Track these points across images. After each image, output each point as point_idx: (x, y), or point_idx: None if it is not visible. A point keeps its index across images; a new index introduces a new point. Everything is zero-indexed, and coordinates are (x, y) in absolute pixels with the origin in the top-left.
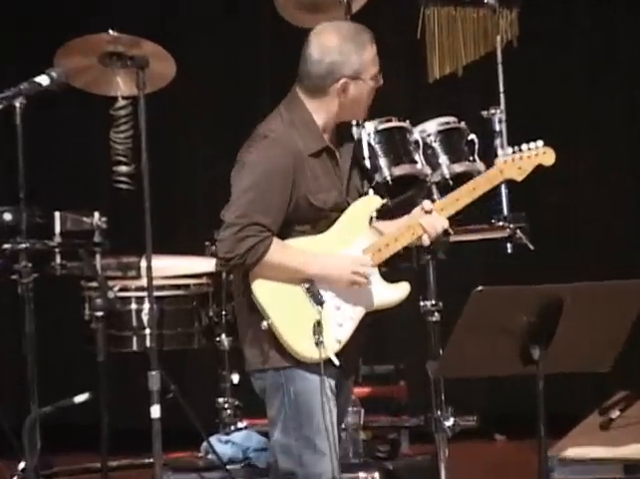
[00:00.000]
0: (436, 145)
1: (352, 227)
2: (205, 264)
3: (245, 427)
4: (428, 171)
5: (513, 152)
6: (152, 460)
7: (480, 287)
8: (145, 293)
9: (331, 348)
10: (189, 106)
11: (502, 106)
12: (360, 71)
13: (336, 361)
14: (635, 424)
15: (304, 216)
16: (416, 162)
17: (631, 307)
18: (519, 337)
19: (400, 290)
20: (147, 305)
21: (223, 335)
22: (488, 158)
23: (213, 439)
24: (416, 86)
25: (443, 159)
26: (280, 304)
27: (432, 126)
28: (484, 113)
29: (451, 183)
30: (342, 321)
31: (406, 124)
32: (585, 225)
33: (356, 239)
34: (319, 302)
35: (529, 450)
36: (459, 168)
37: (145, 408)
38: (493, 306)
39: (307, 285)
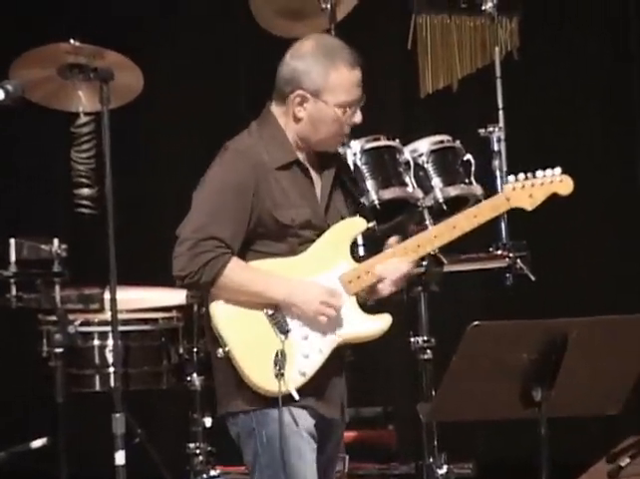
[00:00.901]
0: (428, 166)
1: (331, 250)
2: (175, 297)
3: (219, 475)
4: (419, 194)
5: (526, 178)
6: None
7: (476, 322)
8: (108, 328)
9: (293, 381)
10: (158, 123)
11: (501, 123)
12: (321, 90)
13: (296, 396)
14: None
15: (269, 233)
16: (406, 184)
17: None
18: (520, 377)
19: (380, 322)
20: (110, 341)
21: (195, 374)
22: (486, 180)
23: None
24: (407, 101)
25: (436, 181)
26: (240, 330)
27: (424, 145)
28: (482, 131)
29: (444, 207)
30: (308, 353)
31: (395, 143)
32: (592, 254)
33: (335, 263)
34: (283, 331)
35: None
36: (453, 191)
37: (108, 454)
38: (491, 343)
39: (271, 312)
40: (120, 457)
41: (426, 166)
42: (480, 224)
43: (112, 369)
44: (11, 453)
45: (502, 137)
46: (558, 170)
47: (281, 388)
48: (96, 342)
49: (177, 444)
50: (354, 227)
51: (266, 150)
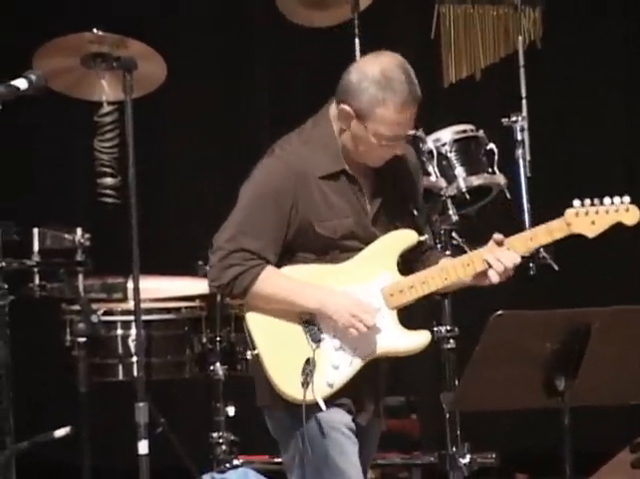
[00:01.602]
0: (451, 155)
1: (376, 260)
2: (198, 286)
3: (242, 464)
4: (442, 184)
5: (592, 204)
6: None
7: (499, 312)
8: (131, 318)
9: (320, 392)
10: (181, 112)
11: (525, 113)
12: (364, 116)
13: (323, 406)
14: None
15: (309, 244)
16: (429, 174)
17: None
18: (543, 367)
19: (418, 337)
20: (134, 331)
21: (218, 364)
22: (509, 170)
23: (207, 477)
24: (430, 90)
25: (459, 170)
26: (271, 335)
27: (447, 134)
28: (505, 120)
29: (467, 197)
30: (339, 364)
31: (419, 132)
32: (615, 243)
33: (378, 274)
34: (316, 340)
35: None
36: (476, 180)
37: (131, 444)
38: (514, 333)
39: (306, 319)
40: (142, 446)
41: (449, 155)
42: (535, 247)
43: (135, 359)
44: (34, 443)
45: (526, 126)
46: (627, 199)
47: (307, 397)
48: (119, 332)
49: (200, 433)
50: (404, 239)
51: (313, 156)
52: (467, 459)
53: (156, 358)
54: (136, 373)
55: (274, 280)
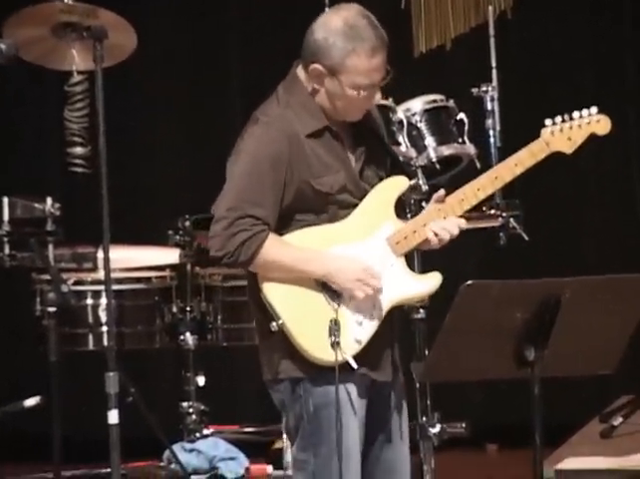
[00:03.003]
0: (421, 125)
1: (376, 212)
2: (168, 256)
3: (212, 434)
4: (413, 153)
5: (563, 120)
6: (109, 470)
7: (469, 282)
8: (102, 287)
9: (350, 350)
10: (152, 82)
11: (495, 83)
12: (337, 70)
13: (354, 365)
14: None
15: (309, 204)
16: (399, 144)
17: (636, 304)
18: (513, 337)
19: (430, 281)
20: (104, 300)
21: (188, 334)
22: (479, 139)
23: (177, 447)
24: (400, 60)
25: (429, 140)
26: (293, 303)
27: (417, 104)
28: (475, 90)
29: (438, 166)
30: (362, 319)
31: (389, 102)
32: (586, 213)
33: (380, 225)
34: (335, 300)
35: (524, 461)
36: (447, 150)
37: (101, 413)
38: (484, 303)
39: (322, 281)
40: (113, 416)
41: (419, 125)
42: (521, 172)
43: (105, 328)
44: (4, 412)
45: (496, 96)
46: (595, 109)
47: (337, 357)
48: (89, 301)
49: (171, 403)
50: (397, 185)
51: (297, 118)
52: (437, 429)
53: (126, 328)
54: (106, 343)
55: (278, 248)
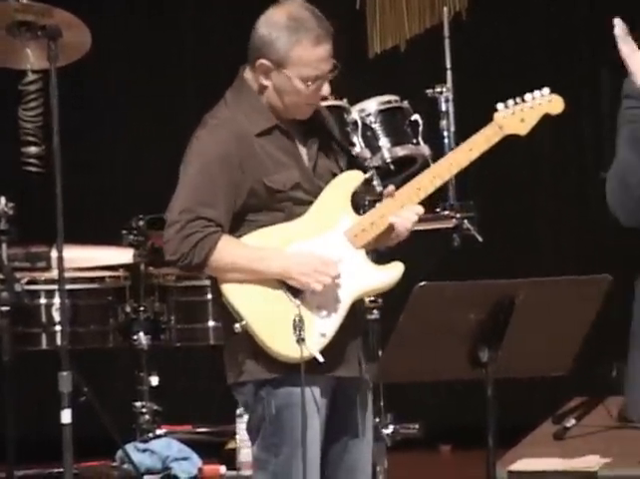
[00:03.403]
0: (376, 126)
1: (331, 207)
2: (122, 256)
3: (165, 434)
4: (367, 154)
5: (515, 103)
6: (62, 470)
7: (422, 283)
8: (55, 287)
9: (315, 344)
10: (106, 82)
11: (449, 84)
12: (283, 63)
13: (320, 358)
14: (593, 433)
15: (262, 203)
16: (354, 144)
17: (590, 305)
18: (467, 338)
19: (392, 271)
20: (57, 300)
21: (141, 333)
22: (434, 140)
23: (130, 447)
24: (354, 61)
25: (383, 141)
26: (255, 303)
27: (371, 105)
28: (430, 91)
29: (392, 167)
30: (325, 313)
31: (343, 102)
32: (540, 215)
33: (338, 219)
34: (297, 295)
35: (477, 462)
36: (401, 151)
37: (54, 413)
38: (438, 304)
39: (280, 278)
40: (66, 415)
41: (373, 126)
42: (477, 157)
43: (58, 328)
44: None
45: (450, 97)
46: (547, 90)
47: (303, 353)
48: (43, 301)
49: (124, 403)
50: (351, 179)
51: (246, 118)
52: (390, 430)
53: (79, 327)
54: (59, 342)
55: (232, 249)
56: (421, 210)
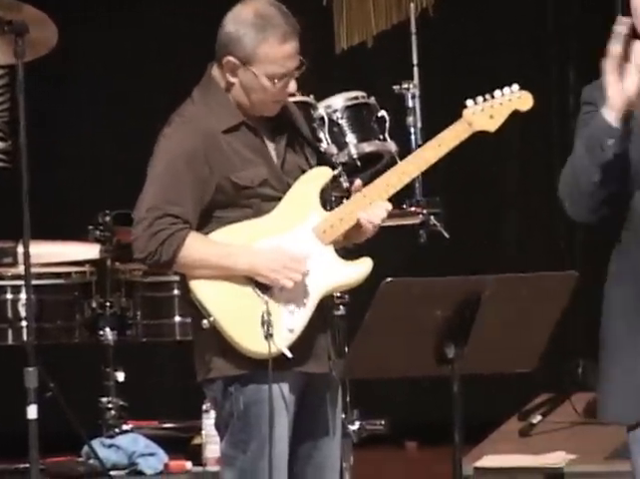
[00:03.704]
0: (342, 122)
1: (300, 204)
2: (88, 251)
3: (131, 430)
4: (334, 150)
5: (484, 99)
6: (27, 465)
7: (389, 279)
8: (21, 282)
9: (283, 340)
10: (74, 77)
11: (416, 80)
12: (250, 60)
13: (289, 354)
14: (558, 430)
15: (230, 199)
16: (320, 140)
17: (556, 302)
18: (433, 334)
19: (360, 266)
20: (23, 295)
21: (107, 329)
22: (400, 137)
23: (96, 443)
24: (321, 57)
25: (350, 137)
26: (223, 299)
27: (338, 101)
28: (396, 87)
29: (358, 163)
30: (293, 309)
31: (309, 98)
32: (507, 211)
33: (307, 216)
34: (265, 291)
35: (443, 458)
36: (368, 147)
37: (20, 408)
38: (404, 300)
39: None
40: (32, 411)
41: (340, 122)
42: (445, 153)
43: (24, 323)
44: None
45: (417, 93)
46: (516, 86)
47: (271, 349)
48: (9, 296)
49: (90, 398)
50: (320, 176)
51: (212, 115)
52: (356, 426)
53: (45, 323)
54: (25, 338)
55: (200, 245)
56: (389, 206)
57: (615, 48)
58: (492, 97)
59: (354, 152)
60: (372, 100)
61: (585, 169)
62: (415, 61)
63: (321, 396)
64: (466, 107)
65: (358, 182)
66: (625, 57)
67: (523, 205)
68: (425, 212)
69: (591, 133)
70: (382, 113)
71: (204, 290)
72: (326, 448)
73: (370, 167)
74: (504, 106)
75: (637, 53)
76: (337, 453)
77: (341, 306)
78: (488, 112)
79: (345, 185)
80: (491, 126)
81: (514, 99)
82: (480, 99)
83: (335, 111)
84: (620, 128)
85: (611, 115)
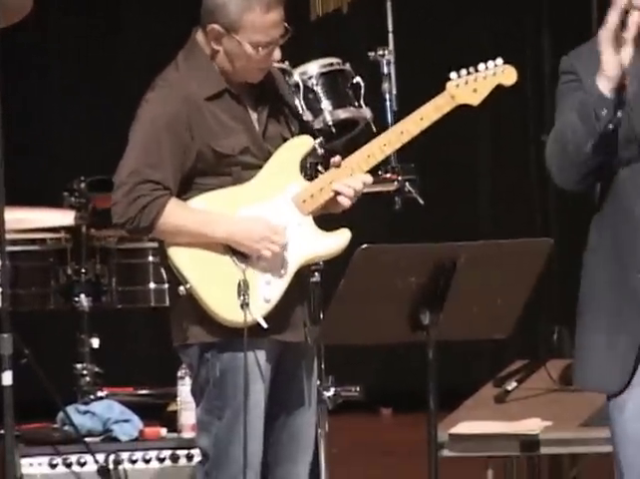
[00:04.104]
0: (318, 88)
1: (281, 172)
2: (63, 218)
3: (106, 396)
4: (309, 117)
5: (468, 73)
6: (2, 432)
7: (364, 245)
8: None
9: (259, 309)
10: (49, 41)
11: (391, 46)
12: (234, 28)
13: (264, 324)
14: (533, 397)
15: (210, 167)
16: (295, 107)
17: (531, 269)
18: (408, 301)
19: (339, 237)
20: None
21: (82, 295)
22: (376, 103)
23: (70, 409)
24: (296, 23)
25: (325, 104)
26: (200, 267)
27: (313, 67)
28: (371, 54)
29: (334, 130)
30: (270, 279)
31: (285, 65)
32: (481, 177)
33: (286, 185)
34: (242, 261)
35: (418, 425)
36: (343, 114)
37: None
38: (379, 266)
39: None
40: (7, 377)
41: (315, 88)
42: (428, 126)
43: None
44: None
45: (392, 60)
46: (500, 60)
47: (247, 318)
48: None
49: (65, 365)
50: (301, 145)
51: (195, 81)
52: (331, 392)
53: (20, 289)
54: (0, 304)
55: (180, 212)
56: (368, 179)
57: (612, 18)
58: (476, 70)
59: (329, 118)
60: (347, 66)
61: (578, 138)
62: (390, 27)
63: (297, 365)
64: (449, 79)
65: (337, 157)
66: (621, 27)
67: (498, 171)
68: (400, 178)
69: (584, 102)
70: (357, 79)
71: (182, 257)
72: (301, 416)
73: (345, 133)
74: (488, 80)
75: (633, 24)
76: (312, 421)
77: (316, 273)
78: (472, 85)
79: (320, 151)
80: (475, 99)
81: (499, 73)
82: (463, 72)
83: (310, 77)
84: (613, 99)
85: (605, 85)
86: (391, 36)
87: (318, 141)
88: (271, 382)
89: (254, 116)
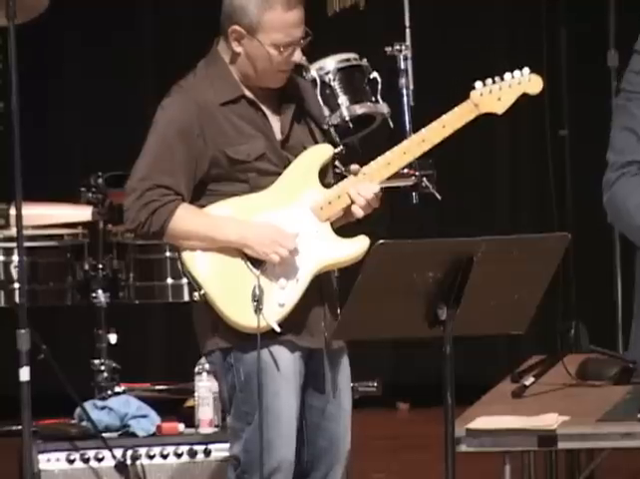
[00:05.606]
0: (335, 84)
1: (300, 179)
2: (81, 213)
3: (123, 392)
4: (326, 112)
5: (493, 82)
6: (20, 427)
7: (381, 241)
8: (14, 244)
9: (273, 314)
10: (65, 39)
11: (408, 42)
12: (255, 29)
13: (277, 328)
14: (551, 392)
15: (225, 173)
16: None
17: (548, 264)
18: (425, 296)
19: (357, 244)
20: (16, 257)
21: (100, 291)
22: (393, 99)
23: (88, 405)
24: (313, 19)
25: (342, 99)
26: (214, 272)
27: (330, 63)
28: (389, 49)
29: (351, 125)
30: (285, 284)
31: (302, 61)
32: (498, 172)
33: (304, 192)
34: (257, 266)
35: (435, 420)
36: (360, 109)
37: (12, 370)
38: (396, 262)
39: (238, 247)
40: (24, 373)
41: (332, 84)
42: (450, 134)
43: (17, 285)
44: None
45: (409, 55)
46: (527, 70)
47: (261, 323)
48: (1, 258)
49: (82, 361)
50: (321, 153)
51: (212, 87)
52: None
53: (38, 285)
54: (18, 300)
55: (191, 217)
56: (376, 188)
57: None
58: (502, 79)
59: (346, 114)
60: (364, 62)
61: (632, 235)
62: (407, 22)
63: (330, 369)
64: (474, 88)
65: (355, 166)
66: None
67: (515, 166)
68: (417, 174)
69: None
70: (374, 75)
71: (196, 263)
72: (337, 422)
73: (362, 129)
74: (514, 89)
75: None
76: (348, 424)
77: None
78: (497, 94)
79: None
80: (499, 108)
81: (524, 82)
82: (489, 81)
83: (327, 73)
84: None
85: None
86: (408, 31)
87: (338, 149)
88: (304, 388)
89: (276, 123)
